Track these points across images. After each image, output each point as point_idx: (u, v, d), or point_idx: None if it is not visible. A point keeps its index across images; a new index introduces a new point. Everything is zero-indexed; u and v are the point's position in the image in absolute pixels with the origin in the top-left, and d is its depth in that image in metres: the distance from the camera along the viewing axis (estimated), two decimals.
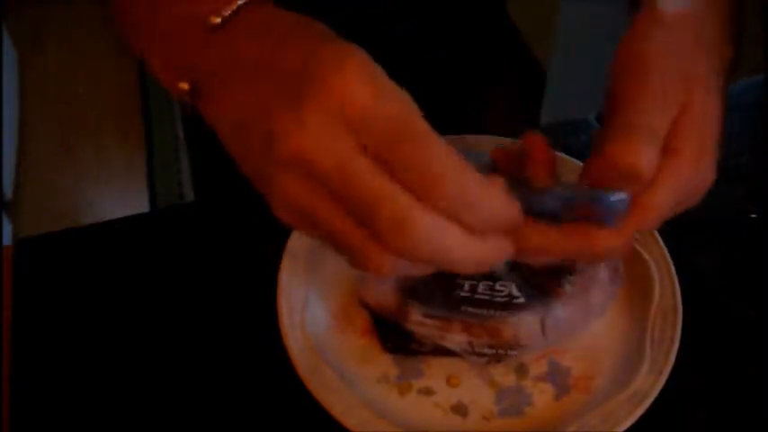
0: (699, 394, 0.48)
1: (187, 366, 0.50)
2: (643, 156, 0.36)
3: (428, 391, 0.48)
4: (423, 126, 0.31)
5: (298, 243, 0.51)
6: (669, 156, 0.38)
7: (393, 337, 0.48)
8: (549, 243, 0.37)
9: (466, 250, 0.32)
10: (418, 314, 0.46)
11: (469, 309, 0.45)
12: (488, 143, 0.55)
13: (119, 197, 1.73)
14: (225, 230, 0.56)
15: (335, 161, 0.31)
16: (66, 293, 0.53)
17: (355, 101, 0.31)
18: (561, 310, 0.46)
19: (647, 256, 0.51)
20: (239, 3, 0.36)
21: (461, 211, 0.31)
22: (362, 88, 0.31)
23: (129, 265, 0.55)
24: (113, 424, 0.47)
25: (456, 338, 0.46)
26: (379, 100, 0.31)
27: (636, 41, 0.40)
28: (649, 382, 0.46)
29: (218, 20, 0.36)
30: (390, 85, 0.32)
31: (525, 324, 0.45)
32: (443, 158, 0.31)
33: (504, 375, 0.49)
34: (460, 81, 0.76)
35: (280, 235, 0.50)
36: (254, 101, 0.34)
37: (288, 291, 0.49)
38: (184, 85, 0.37)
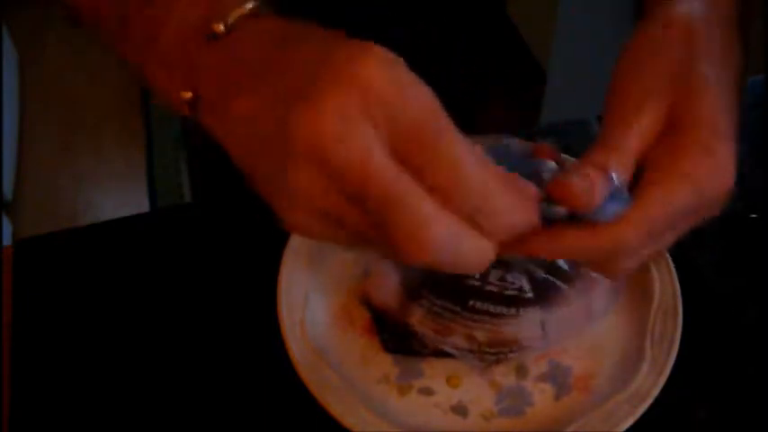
0: (699, 394, 0.48)
1: (187, 366, 0.50)
2: (579, 186, 0.34)
3: (428, 392, 0.48)
4: (449, 123, 0.30)
5: (298, 242, 0.51)
6: (651, 168, 0.37)
7: (393, 337, 0.48)
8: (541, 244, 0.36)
9: (480, 256, 0.31)
10: (421, 313, 0.46)
11: (477, 303, 0.45)
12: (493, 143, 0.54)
13: (119, 197, 1.73)
14: (225, 230, 0.56)
15: (355, 156, 0.28)
16: (66, 293, 0.53)
17: (379, 91, 0.28)
18: (562, 312, 0.46)
19: None
20: (248, 6, 0.34)
21: (483, 217, 0.30)
22: (387, 78, 0.29)
23: (129, 265, 0.55)
24: (113, 424, 0.47)
25: (457, 341, 0.46)
26: (405, 92, 0.29)
27: (633, 44, 0.40)
28: (649, 382, 0.46)
29: (222, 26, 0.34)
30: (415, 79, 0.30)
31: (526, 326, 0.45)
32: (469, 159, 0.29)
33: (504, 375, 0.49)
34: (460, 81, 0.76)
35: (280, 235, 0.50)
36: (263, 99, 0.31)
37: (288, 290, 0.49)
38: (186, 94, 0.35)
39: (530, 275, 0.45)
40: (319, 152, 0.29)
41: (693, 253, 0.54)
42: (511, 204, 0.31)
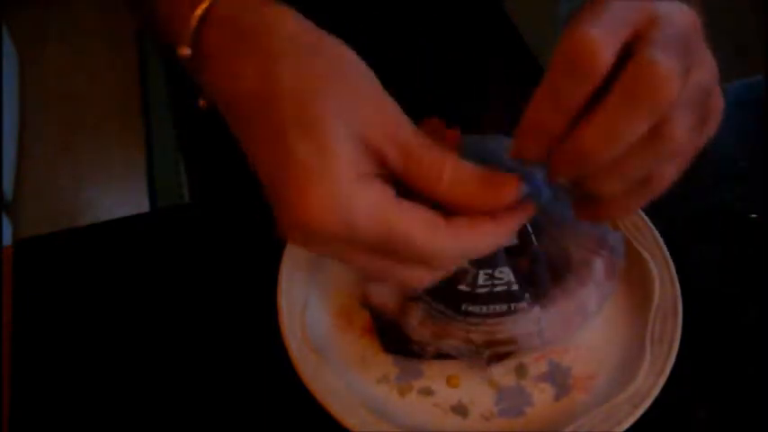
0: (699, 394, 0.48)
1: (187, 366, 0.50)
2: (596, 38, 0.32)
3: (428, 392, 0.48)
4: (404, 228, 0.34)
5: None
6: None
7: (393, 339, 0.48)
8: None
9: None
10: (419, 315, 0.46)
11: (470, 307, 0.45)
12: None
13: (119, 197, 1.73)
14: (225, 230, 0.56)
15: (330, 253, 0.35)
16: (66, 293, 0.53)
17: (329, 224, 0.33)
18: (556, 309, 0.46)
19: (647, 256, 0.51)
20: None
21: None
22: (332, 221, 0.33)
23: (129, 265, 0.55)
24: (113, 424, 0.47)
25: (454, 343, 0.46)
26: (352, 218, 0.33)
27: None
28: (649, 382, 0.46)
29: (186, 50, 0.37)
30: (360, 191, 0.33)
31: (521, 324, 0.45)
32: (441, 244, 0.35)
33: (504, 375, 0.49)
34: (460, 81, 0.76)
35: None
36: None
37: (288, 291, 0.49)
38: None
39: (513, 268, 0.45)
40: (305, 236, 0.34)
41: (693, 253, 0.54)
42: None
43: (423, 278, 0.37)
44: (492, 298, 0.45)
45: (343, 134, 0.33)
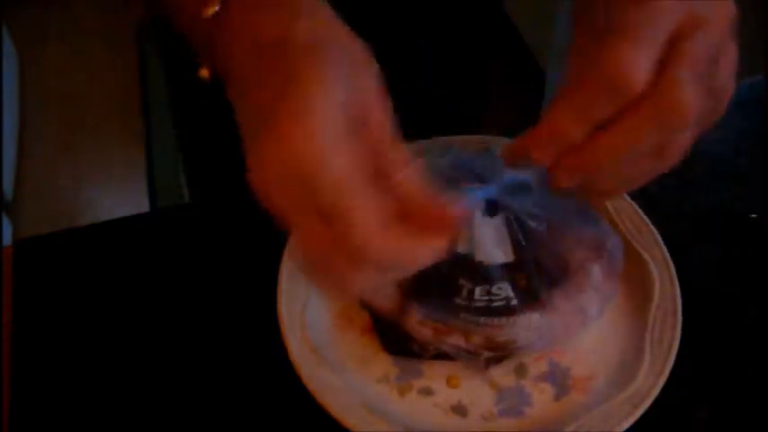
0: (699, 394, 0.48)
1: (187, 366, 0.50)
2: (638, 64, 0.35)
3: (428, 392, 0.48)
4: (356, 209, 0.33)
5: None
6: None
7: (393, 339, 0.48)
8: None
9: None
10: (418, 316, 0.46)
11: (468, 316, 0.45)
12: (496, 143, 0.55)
13: (119, 197, 1.73)
14: (225, 230, 0.56)
15: (285, 209, 0.34)
16: (66, 293, 0.53)
17: (302, 163, 0.32)
18: (556, 314, 0.46)
19: (647, 257, 0.51)
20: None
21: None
22: (309, 151, 0.32)
23: (129, 265, 0.55)
24: (113, 424, 0.47)
25: (455, 340, 0.46)
26: (323, 167, 0.32)
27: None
28: (649, 383, 0.46)
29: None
30: (338, 147, 0.33)
31: (521, 330, 0.45)
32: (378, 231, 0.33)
33: (503, 376, 0.49)
34: (459, 81, 0.76)
35: (280, 235, 0.50)
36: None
37: (288, 291, 0.49)
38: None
39: (512, 284, 0.45)
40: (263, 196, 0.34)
41: (693, 253, 0.54)
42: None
43: (352, 278, 0.36)
44: (490, 311, 0.45)
45: (340, 96, 0.34)
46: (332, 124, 0.33)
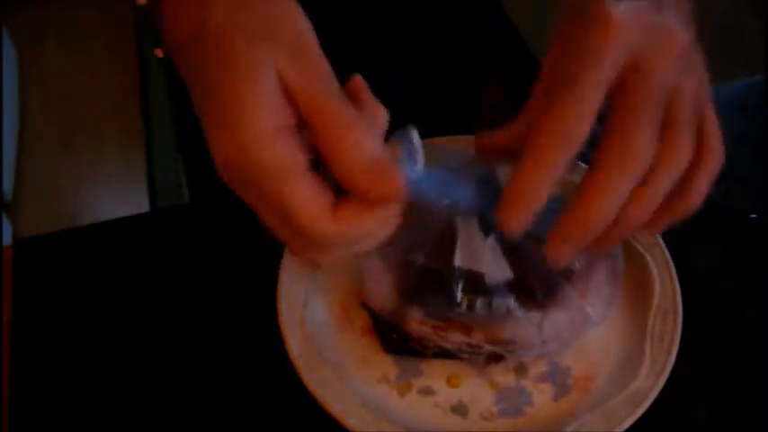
0: (699, 394, 0.48)
1: (187, 366, 0.50)
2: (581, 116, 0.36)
3: (428, 391, 0.48)
4: (295, 202, 0.34)
5: None
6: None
7: (393, 339, 0.48)
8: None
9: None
10: (418, 316, 0.46)
11: (469, 314, 0.45)
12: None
13: (119, 197, 1.73)
14: (225, 230, 0.56)
15: (251, 200, 0.36)
16: (65, 293, 0.53)
17: (239, 159, 0.34)
18: (559, 319, 0.46)
19: (647, 257, 0.51)
20: None
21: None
22: (243, 147, 0.34)
23: (129, 265, 0.55)
24: (113, 424, 0.47)
25: (456, 337, 0.46)
26: (257, 160, 0.33)
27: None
28: (649, 382, 0.46)
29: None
30: (272, 136, 0.33)
31: (523, 328, 0.45)
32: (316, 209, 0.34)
33: (504, 375, 0.49)
34: (460, 81, 0.76)
35: None
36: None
37: (288, 290, 0.49)
38: None
39: (514, 295, 0.45)
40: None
41: (693, 253, 0.54)
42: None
43: (314, 258, 0.37)
44: (492, 321, 0.45)
45: (271, 80, 0.34)
46: (264, 115, 0.33)
